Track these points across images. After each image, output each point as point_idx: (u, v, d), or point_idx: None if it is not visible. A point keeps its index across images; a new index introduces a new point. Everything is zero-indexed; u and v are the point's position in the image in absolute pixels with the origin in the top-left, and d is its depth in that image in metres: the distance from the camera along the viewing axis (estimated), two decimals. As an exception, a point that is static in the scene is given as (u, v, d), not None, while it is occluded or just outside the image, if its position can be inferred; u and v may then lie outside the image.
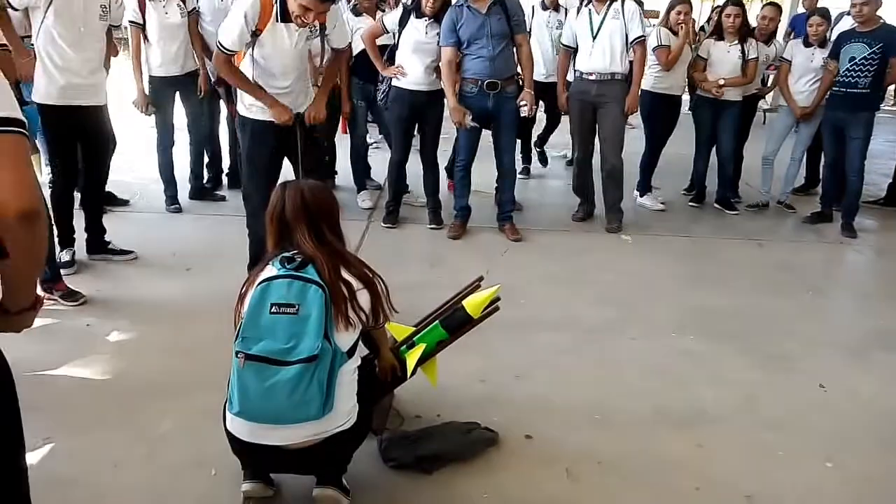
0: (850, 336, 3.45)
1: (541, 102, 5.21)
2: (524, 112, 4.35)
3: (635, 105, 4.79)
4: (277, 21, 3.09)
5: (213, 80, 4.83)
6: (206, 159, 5.23)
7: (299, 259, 1.87)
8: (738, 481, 2.32)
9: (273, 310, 1.80)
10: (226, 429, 1.94)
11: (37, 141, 4.13)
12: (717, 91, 5.10)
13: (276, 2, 3.05)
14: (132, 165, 5.43)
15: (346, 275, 1.91)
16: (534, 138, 6.06)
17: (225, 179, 5.39)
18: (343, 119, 5.20)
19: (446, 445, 2.35)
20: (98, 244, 3.93)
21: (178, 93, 4.70)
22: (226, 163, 5.42)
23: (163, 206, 4.81)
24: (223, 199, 5.14)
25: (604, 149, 4.85)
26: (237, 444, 1.93)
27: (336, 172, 5.53)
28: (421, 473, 2.28)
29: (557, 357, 3.09)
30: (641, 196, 5.55)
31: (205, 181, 5.22)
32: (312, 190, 2.01)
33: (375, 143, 6.28)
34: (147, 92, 4.55)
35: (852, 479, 2.37)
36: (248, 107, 3.30)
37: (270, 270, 1.88)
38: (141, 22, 4.44)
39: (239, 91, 3.34)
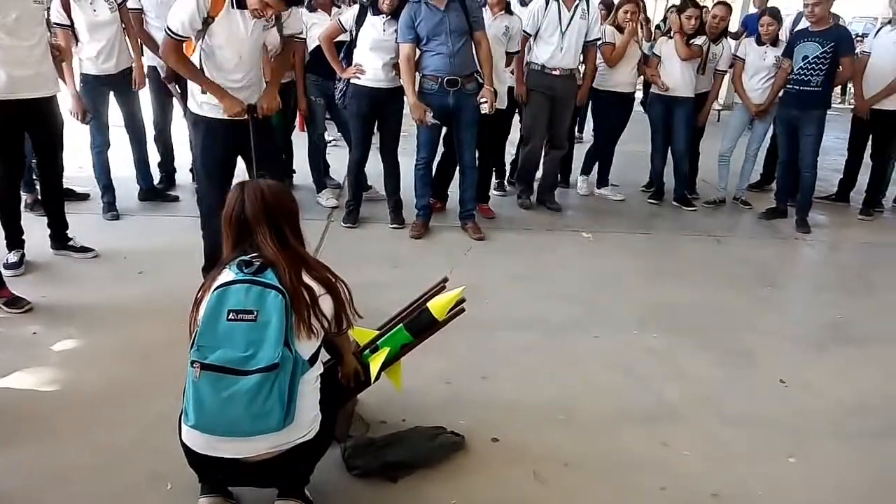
0: (808, 330, 3.52)
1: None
2: (484, 109, 4.33)
3: (584, 99, 5.30)
4: (232, 7, 2.96)
5: (162, 75, 4.67)
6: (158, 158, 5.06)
7: (258, 263, 1.79)
8: (704, 479, 2.33)
9: (230, 316, 1.72)
10: (181, 441, 1.85)
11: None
12: (662, 86, 5.24)
13: None
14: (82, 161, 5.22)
15: (307, 279, 1.84)
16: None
17: (189, 175, 5.22)
18: (300, 116, 5.09)
19: (412, 452, 2.30)
20: (60, 238, 3.82)
21: (112, 93, 4.47)
22: (188, 158, 5.24)
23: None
24: (176, 199, 4.98)
25: (559, 137, 5.20)
26: (193, 457, 1.84)
27: (294, 171, 5.42)
28: (386, 481, 2.22)
29: (522, 356, 3.07)
30: (599, 188, 5.80)
31: (156, 182, 5.05)
32: (273, 189, 1.93)
33: (334, 140, 6.17)
34: (80, 93, 4.24)
35: (815, 473, 2.39)
36: (200, 104, 3.16)
37: (227, 275, 1.80)
38: (68, 23, 4.14)
39: (190, 86, 3.22)
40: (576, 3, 4.81)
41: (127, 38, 4.47)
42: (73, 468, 2.21)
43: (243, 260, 1.82)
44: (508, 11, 4.74)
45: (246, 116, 3.14)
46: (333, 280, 1.91)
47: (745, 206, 5.61)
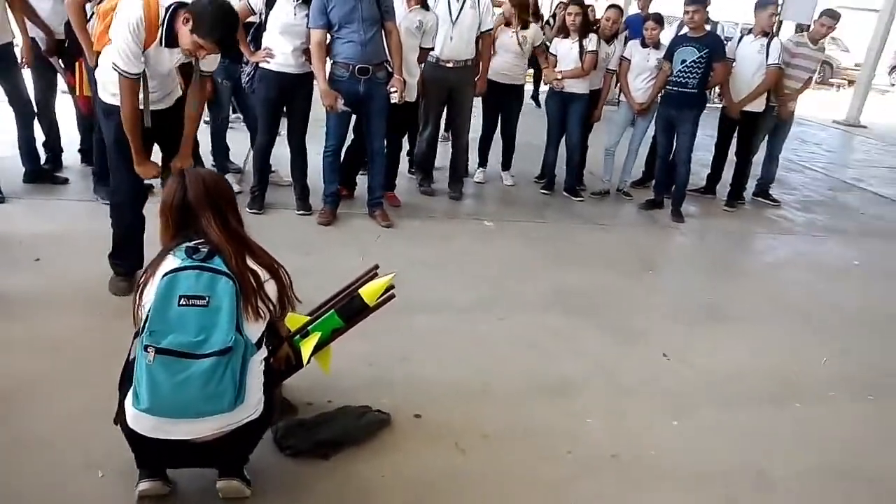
0: (686, 309, 3.93)
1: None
2: (394, 98, 4.43)
3: (483, 88, 5.41)
4: (161, 45, 2.88)
5: (43, 48, 4.41)
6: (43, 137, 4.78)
7: (205, 250, 1.84)
8: (605, 443, 2.62)
9: (182, 302, 1.76)
10: (123, 425, 1.87)
11: None
12: (556, 83, 5.54)
13: (162, 24, 2.82)
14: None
15: (252, 265, 1.91)
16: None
17: (79, 155, 4.95)
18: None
19: (341, 430, 2.42)
20: None
21: None
22: (74, 138, 4.97)
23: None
24: (66, 181, 4.73)
25: (456, 127, 5.42)
26: (138, 441, 1.87)
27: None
28: (318, 459, 2.33)
29: (437, 338, 3.25)
30: (478, 167, 6.11)
31: (42, 162, 4.77)
32: (213, 176, 1.98)
33: (231, 123, 6.04)
34: None
35: (694, 434, 2.75)
36: (114, 94, 3.05)
37: (174, 261, 1.83)
38: None
39: (100, 76, 3.10)
40: None
41: (9, 10, 4.18)
42: (-3, 463, 2.15)
43: (189, 246, 1.86)
44: (424, 7, 4.80)
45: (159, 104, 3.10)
46: (276, 266, 1.99)
47: (626, 198, 6.06)
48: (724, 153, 6.21)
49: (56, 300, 3.12)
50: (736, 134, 5.98)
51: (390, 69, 4.44)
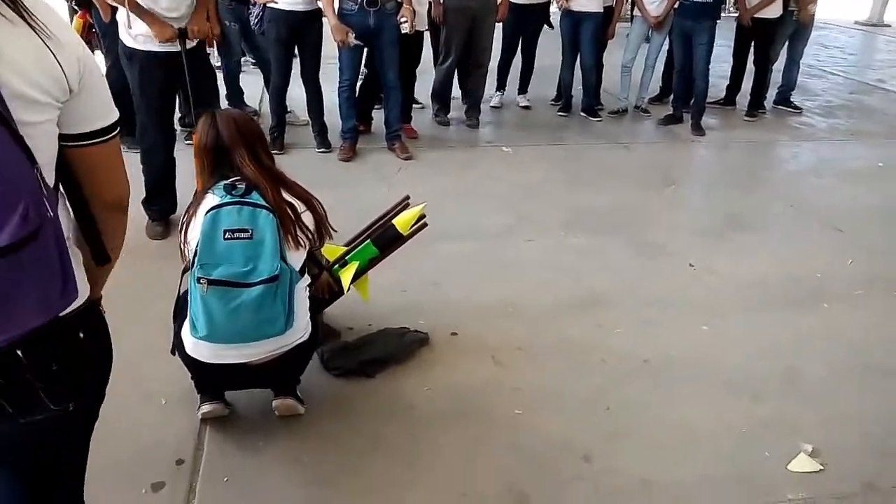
0: (709, 221, 3.97)
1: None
2: (405, 28, 4.39)
3: (505, 14, 5.31)
4: None
5: None
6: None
7: (243, 186, 1.91)
8: (635, 350, 2.71)
9: (227, 236, 1.85)
10: (184, 355, 2.00)
11: None
12: (565, 2, 5.44)
13: None
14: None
15: (288, 197, 1.98)
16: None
17: None
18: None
19: (384, 349, 2.55)
20: None
21: None
22: None
23: None
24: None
25: (479, 54, 5.25)
26: (199, 367, 2.00)
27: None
28: (364, 378, 2.46)
29: (465, 263, 3.33)
30: (496, 91, 6.04)
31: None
32: (241, 116, 2.05)
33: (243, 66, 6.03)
34: None
35: (723, 336, 2.84)
36: (135, 37, 3.08)
37: (214, 199, 1.90)
38: None
39: (121, 19, 3.12)
40: None
41: None
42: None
43: (227, 184, 1.93)
44: None
45: (178, 43, 3.11)
46: (310, 197, 2.07)
47: (645, 114, 6.02)
48: (742, 63, 6.10)
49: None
50: (753, 43, 5.85)
51: (399, -1, 4.39)
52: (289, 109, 5.04)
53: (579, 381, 2.52)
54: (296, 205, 1.99)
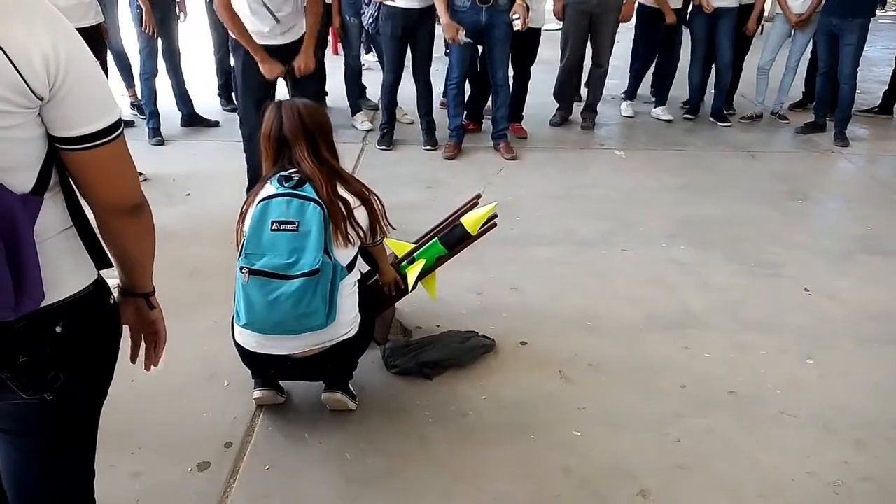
0: (836, 241, 3.55)
1: None
2: (517, 25, 4.30)
3: (629, 15, 5.11)
4: None
5: None
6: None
7: (297, 178, 1.92)
8: (723, 379, 2.46)
9: (274, 227, 1.86)
10: (235, 341, 2.05)
11: None
12: (706, 5, 5.03)
13: None
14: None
15: (343, 192, 1.97)
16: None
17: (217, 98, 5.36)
18: (333, 36, 5.08)
19: (446, 352, 2.48)
20: None
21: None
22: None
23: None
24: (216, 124, 5.11)
25: (598, 54, 5.10)
26: (246, 355, 2.04)
27: (326, 93, 5.48)
28: (422, 378, 2.41)
29: (551, 269, 3.19)
30: (625, 100, 5.80)
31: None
32: (308, 107, 2.03)
33: (367, 65, 6.18)
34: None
35: (830, 373, 2.50)
36: None
37: (269, 189, 1.93)
38: None
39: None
40: None
41: None
42: (137, 371, 2.42)
43: (283, 175, 1.95)
44: None
45: (286, 36, 3.26)
46: (367, 193, 2.04)
47: (782, 121, 5.51)
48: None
49: (198, 231, 3.42)
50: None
51: (513, -4, 4.30)
52: (398, 105, 5.09)
53: (651, 407, 2.32)
54: (350, 200, 1.97)
